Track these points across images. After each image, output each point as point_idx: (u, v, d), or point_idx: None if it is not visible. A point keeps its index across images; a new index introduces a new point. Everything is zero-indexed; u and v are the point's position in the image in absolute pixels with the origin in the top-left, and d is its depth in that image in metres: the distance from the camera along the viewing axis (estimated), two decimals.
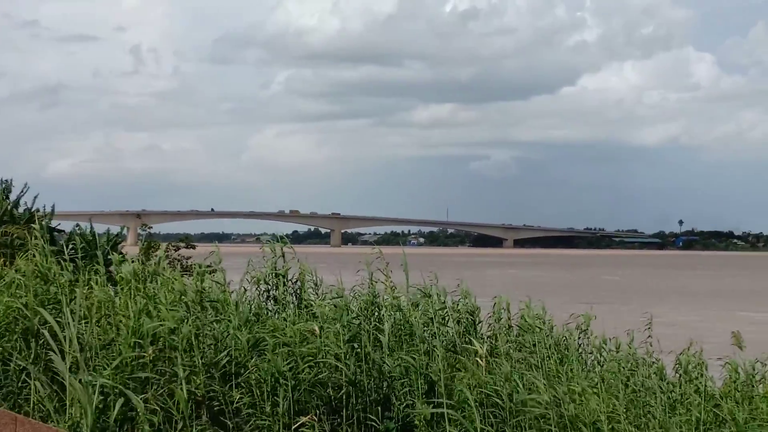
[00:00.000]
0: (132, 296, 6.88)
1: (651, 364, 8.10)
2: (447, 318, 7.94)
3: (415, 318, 7.41)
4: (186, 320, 6.43)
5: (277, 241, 8.05)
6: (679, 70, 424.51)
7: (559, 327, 8.41)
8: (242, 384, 6.24)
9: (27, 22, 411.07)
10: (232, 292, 7.57)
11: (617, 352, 8.30)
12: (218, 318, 6.85)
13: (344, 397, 6.39)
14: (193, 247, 13.90)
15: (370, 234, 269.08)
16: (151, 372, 6.04)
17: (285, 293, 7.87)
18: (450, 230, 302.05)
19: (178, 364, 6.01)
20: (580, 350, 8.33)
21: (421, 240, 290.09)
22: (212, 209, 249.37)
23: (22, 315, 6.68)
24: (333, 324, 6.85)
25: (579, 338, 8.48)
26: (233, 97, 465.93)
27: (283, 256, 7.99)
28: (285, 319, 7.15)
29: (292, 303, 7.84)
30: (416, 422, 5.98)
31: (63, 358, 5.90)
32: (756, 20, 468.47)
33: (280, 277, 7.91)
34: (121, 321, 6.51)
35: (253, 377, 6.19)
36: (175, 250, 13.50)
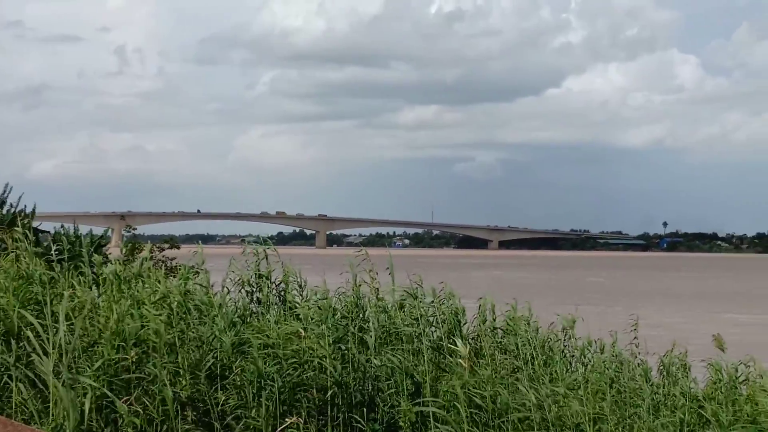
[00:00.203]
0: (115, 298, 6.84)
1: (636, 365, 8.13)
2: (433, 319, 7.92)
3: (401, 319, 7.40)
4: (170, 322, 6.40)
5: (261, 243, 8.02)
6: (663, 72, 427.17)
7: (544, 328, 8.42)
8: (228, 386, 6.22)
9: (11, 22, 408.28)
10: (216, 293, 7.54)
11: (602, 353, 8.32)
12: (202, 320, 6.81)
13: (330, 398, 6.38)
14: (178, 247, 13.80)
15: (355, 235, 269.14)
16: (134, 374, 6.00)
17: (269, 295, 7.85)
18: (435, 232, 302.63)
19: (158, 365, 5.98)
20: (564, 352, 8.34)
21: (407, 241, 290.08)
22: (198, 210, 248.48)
23: (3, 316, 6.61)
24: (318, 326, 6.83)
25: (564, 340, 8.50)
26: (218, 97, 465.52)
27: (266, 258, 7.96)
28: (269, 321, 7.13)
29: (276, 305, 7.82)
30: (401, 423, 5.97)
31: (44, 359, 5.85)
32: (740, 22, 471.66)
33: (264, 278, 7.89)
34: (100, 322, 6.47)
35: (239, 379, 6.16)
36: (160, 251, 13.43)
